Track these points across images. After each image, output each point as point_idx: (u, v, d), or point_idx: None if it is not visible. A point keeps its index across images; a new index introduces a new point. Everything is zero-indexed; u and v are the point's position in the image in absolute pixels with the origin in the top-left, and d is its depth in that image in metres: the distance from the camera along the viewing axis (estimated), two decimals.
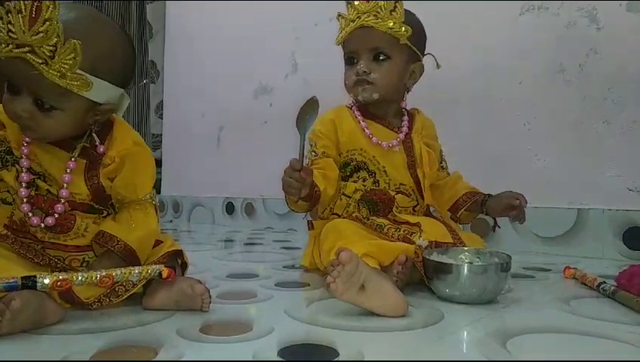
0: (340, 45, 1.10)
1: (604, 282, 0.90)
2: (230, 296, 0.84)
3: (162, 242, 0.84)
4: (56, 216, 0.74)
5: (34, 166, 0.74)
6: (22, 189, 0.73)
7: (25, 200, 0.73)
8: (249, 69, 2.33)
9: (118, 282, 0.70)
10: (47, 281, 0.63)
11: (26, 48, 0.63)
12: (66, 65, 0.65)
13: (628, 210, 1.33)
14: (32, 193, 0.74)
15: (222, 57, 2.47)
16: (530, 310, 0.79)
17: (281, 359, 0.54)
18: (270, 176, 2.23)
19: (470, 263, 0.87)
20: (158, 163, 2.84)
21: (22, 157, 0.73)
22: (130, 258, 0.75)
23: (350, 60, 1.08)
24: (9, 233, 0.75)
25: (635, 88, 1.36)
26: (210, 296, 0.73)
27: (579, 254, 1.34)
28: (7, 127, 0.74)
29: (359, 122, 1.08)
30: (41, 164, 0.74)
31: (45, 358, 0.53)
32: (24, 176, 0.73)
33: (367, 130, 1.07)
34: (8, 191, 0.75)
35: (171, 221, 2.66)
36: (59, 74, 0.65)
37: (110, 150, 0.77)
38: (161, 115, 2.98)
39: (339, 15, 1.06)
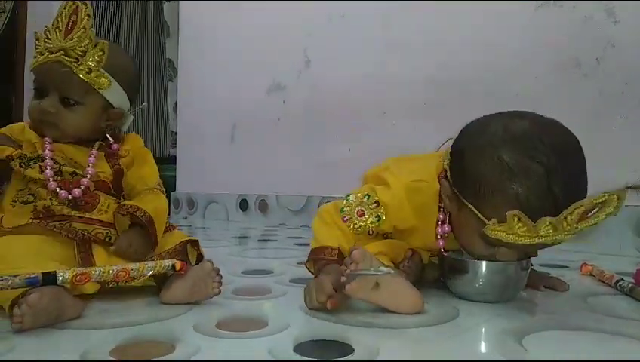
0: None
1: (622, 279, 0.89)
2: (245, 291, 0.85)
3: (174, 228, 0.89)
4: (82, 188, 0.79)
5: (58, 159, 0.81)
6: (47, 170, 0.78)
7: (51, 179, 0.78)
8: (262, 67, 2.34)
9: (133, 277, 0.72)
10: (66, 276, 0.64)
11: (60, 52, 0.76)
12: (93, 62, 0.77)
13: None
14: (58, 178, 0.79)
15: (235, 55, 2.48)
16: (547, 307, 0.79)
17: (297, 355, 0.54)
18: (283, 173, 2.27)
19: (489, 261, 0.79)
20: (174, 160, 2.87)
21: (45, 150, 0.79)
22: (151, 227, 0.79)
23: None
24: (34, 220, 0.77)
25: None
26: (220, 276, 0.75)
27: (596, 251, 1.33)
28: (28, 135, 0.81)
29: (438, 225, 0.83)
30: (66, 155, 0.82)
31: (64, 353, 0.54)
32: (48, 162, 0.79)
33: (440, 242, 0.83)
34: (30, 194, 0.78)
35: (186, 218, 2.68)
36: (87, 70, 0.77)
37: (124, 145, 0.89)
38: None
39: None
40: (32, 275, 0.62)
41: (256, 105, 2.37)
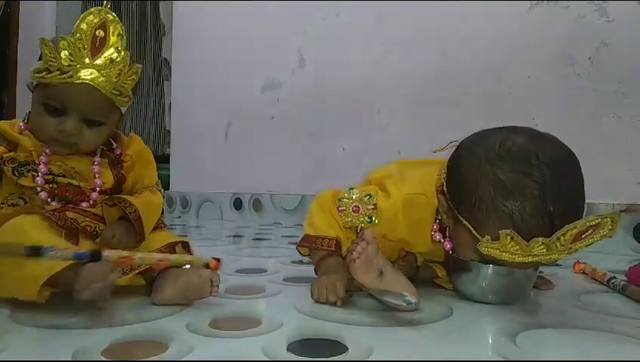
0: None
1: (614, 277, 0.90)
2: (239, 290, 0.85)
3: (165, 226, 0.88)
4: (91, 202, 0.79)
5: (54, 169, 0.77)
6: (41, 193, 0.76)
7: (49, 199, 0.76)
8: (256, 64, 2.34)
9: (172, 266, 0.74)
10: (112, 256, 0.66)
11: (89, 72, 0.72)
12: (125, 85, 0.75)
13: (638, 205, 1.32)
14: (54, 186, 0.77)
15: (229, 53, 2.47)
16: (540, 305, 0.79)
17: (290, 354, 0.54)
18: (278, 172, 2.26)
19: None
20: (168, 159, 2.86)
21: (40, 164, 0.76)
22: (137, 221, 0.78)
23: None
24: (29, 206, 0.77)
25: None
26: (218, 279, 0.74)
27: (588, 249, 1.32)
28: (23, 142, 0.76)
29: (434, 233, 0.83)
30: (67, 164, 0.78)
31: (56, 353, 0.54)
32: (38, 180, 0.76)
33: (447, 244, 0.81)
34: (21, 197, 0.77)
35: (180, 217, 2.67)
36: (118, 93, 0.75)
37: (127, 150, 0.85)
38: None
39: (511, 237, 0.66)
40: (81, 251, 0.64)
41: (251, 103, 2.37)
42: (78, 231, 0.76)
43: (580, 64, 1.45)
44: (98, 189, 0.79)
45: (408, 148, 1.67)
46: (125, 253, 0.68)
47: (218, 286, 0.74)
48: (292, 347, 0.56)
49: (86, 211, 0.78)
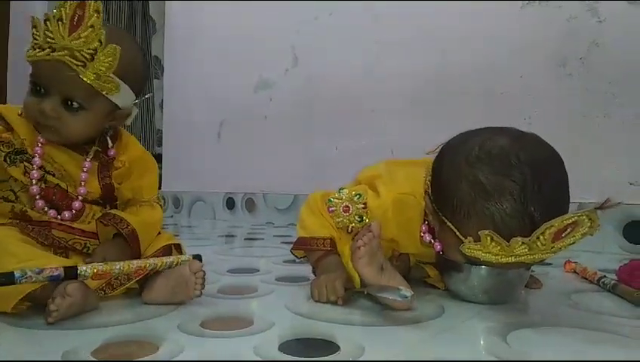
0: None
1: (605, 276, 0.90)
2: (231, 290, 0.85)
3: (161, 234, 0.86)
4: (74, 211, 0.77)
5: (46, 165, 0.76)
6: (34, 186, 0.74)
7: (38, 196, 0.75)
8: (249, 64, 2.33)
9: (152, 271, 0.73)
10: (87, 272, 0.65)
11: (65, 52, 0.68)
12: (102, 68, 0.70)
13: (629, 204, 1.33)
14: (42, 185, 0.76)
15: (222, 52, 2.46)
16: (531, 304, 0.79)
17: (282, 353, 0.54)
18: (271, 171, 2.26)
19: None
20: (160, 158, 2.85)
21: (35, 156, 0.75)
22: (133, 241, 0.77)
23: None
24: (13, 221, 0.75)
25: (637, 82, 1.35)
26: (204, 279, 0.73)
27: (579, 248, 1.33)
28: (17, 127, 0.75)
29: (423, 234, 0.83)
30: (57, 162, 0.77)
31: (46, 353, 0.53)
32: (34, 173, 0.75)
33: (438, 245, 0.80)
34: (11, 190, 0.76)
35: (172, 216, 2.66)
36: (95, 75, 0.70)
37: (121, 155, 0.82)
38: None
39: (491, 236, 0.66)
40: (55, 272, 0.63)
41: (244, 102, 2.36)
42: (67, 248, 0.76)
43: (571, 64, 1.46)
44: (81, 198, 0.77)
45: (402, 148, 1.66)
46: (103, 266, 0.67)
47: (202, 285, 0.72)
48: (284, 347, 0.56)
49: (73, 228, 0.77)
